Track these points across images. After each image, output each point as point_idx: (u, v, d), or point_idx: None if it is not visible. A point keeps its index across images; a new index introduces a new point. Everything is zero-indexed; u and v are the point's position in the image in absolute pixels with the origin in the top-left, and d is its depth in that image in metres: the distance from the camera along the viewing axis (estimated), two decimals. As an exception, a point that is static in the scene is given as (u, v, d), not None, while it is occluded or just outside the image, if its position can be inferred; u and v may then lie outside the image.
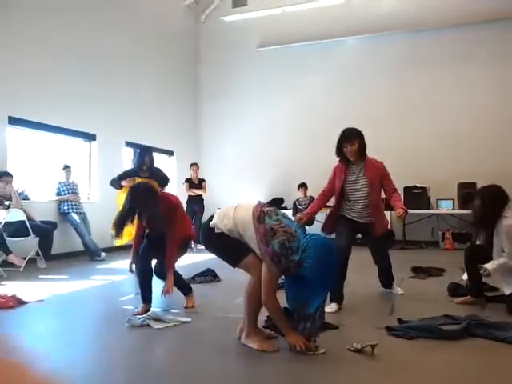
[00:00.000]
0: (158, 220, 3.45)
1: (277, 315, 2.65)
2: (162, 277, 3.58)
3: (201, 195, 8.59)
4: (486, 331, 2.81)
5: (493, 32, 8.61)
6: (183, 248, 3.67)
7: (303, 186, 8.85)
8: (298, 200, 8.94)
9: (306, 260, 2.51)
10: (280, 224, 2.59)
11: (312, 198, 8.13)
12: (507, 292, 3.47)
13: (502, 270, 3.42)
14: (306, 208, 8.05)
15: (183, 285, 3.76)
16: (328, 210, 4.12)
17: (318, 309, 2.60)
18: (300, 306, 2.60)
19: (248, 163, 10.22)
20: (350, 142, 3.71)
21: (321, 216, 5.24)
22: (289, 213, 8.48)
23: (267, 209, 2.70)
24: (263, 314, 2.87)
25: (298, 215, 3.68)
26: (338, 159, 3.85)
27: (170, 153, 10.04)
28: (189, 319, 3.27)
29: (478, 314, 3.18)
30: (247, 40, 10.32)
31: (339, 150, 3.79)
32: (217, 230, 2.72)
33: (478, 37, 8.70)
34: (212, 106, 10.70)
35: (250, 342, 2.68)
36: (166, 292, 3.48)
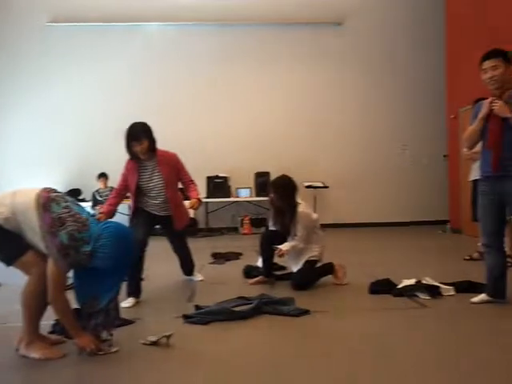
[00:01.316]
0: None
1: (65, 315, 2.38)
2: None
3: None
4: (274, 308, 3.05)
5: (300, 34, 9.30)
6: None
7: (103, 176, 8.34)
8: (97, 191, 8.40)
9: (100, 249, 2.32)
10: (69, 212, 2.34)
11: (113, 189, 7.73)
12: (294, 270, 3.85)
13: (292, 251, 3.77)
14: (106, 199, 7.67)
15: None
16: (130, 202, 3.90)
17: (111, 302, 2.45)
18: (91, 301, 2.40)
19: (39, 151, 9.05)
20: (139, 141, 3.51)
21: (122, 207, 4.97)
22: (88, 205, 7.91)
23: (55, 194, 2.40)
24: (49, 319, 2.56)
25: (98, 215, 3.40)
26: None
27: None
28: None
29: (267, 293, 3.43)
30: (36, 13, 9.14)
31: (128, 149, 3.57)
32: None
33: (286, 38, 9.29)
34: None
35: (32, 352, 2.37)
36: None
